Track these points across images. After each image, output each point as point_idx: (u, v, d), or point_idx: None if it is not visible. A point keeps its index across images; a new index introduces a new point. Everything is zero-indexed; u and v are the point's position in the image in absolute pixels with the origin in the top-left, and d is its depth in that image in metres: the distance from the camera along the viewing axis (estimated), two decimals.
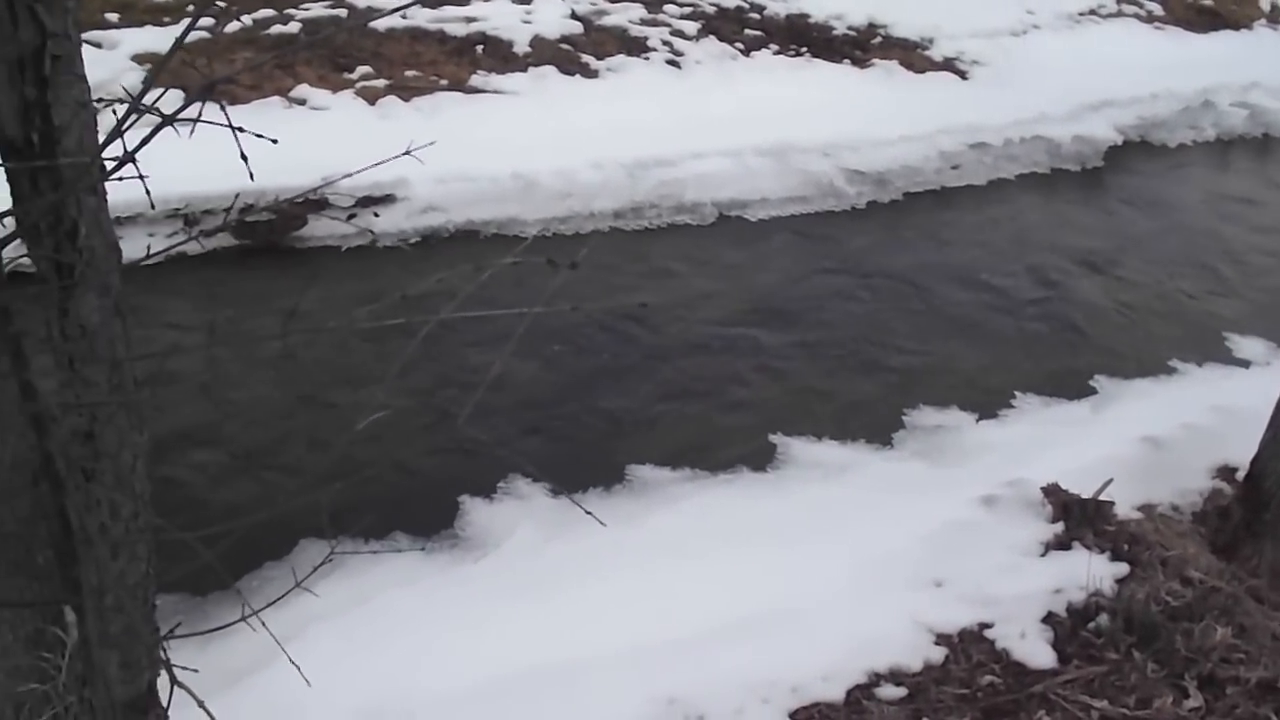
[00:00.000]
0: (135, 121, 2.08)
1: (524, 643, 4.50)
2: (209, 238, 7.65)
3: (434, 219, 8.64)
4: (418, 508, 5.59)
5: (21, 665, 3.13)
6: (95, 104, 2.60)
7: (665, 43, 12.29)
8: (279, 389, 6.65)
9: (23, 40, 2.49)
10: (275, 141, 1.98)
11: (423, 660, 4.39)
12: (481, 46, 11.58)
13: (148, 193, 1.97)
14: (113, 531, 2.77)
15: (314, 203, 8.24)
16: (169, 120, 1.96)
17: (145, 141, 1.97)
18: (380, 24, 11.46)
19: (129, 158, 1.90)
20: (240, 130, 1.92)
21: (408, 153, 2.52)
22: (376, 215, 8.31)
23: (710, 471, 6.38)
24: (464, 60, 11.29)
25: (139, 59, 9.94)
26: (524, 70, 11.29)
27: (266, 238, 8.23)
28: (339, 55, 10.89)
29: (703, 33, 12.72)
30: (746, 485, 6.28)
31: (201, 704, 2.04)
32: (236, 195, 7.08)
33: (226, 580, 3.78)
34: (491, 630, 4.59)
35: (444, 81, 10.77)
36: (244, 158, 1.98)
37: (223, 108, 1.95)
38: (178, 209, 7.97)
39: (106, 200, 2.70)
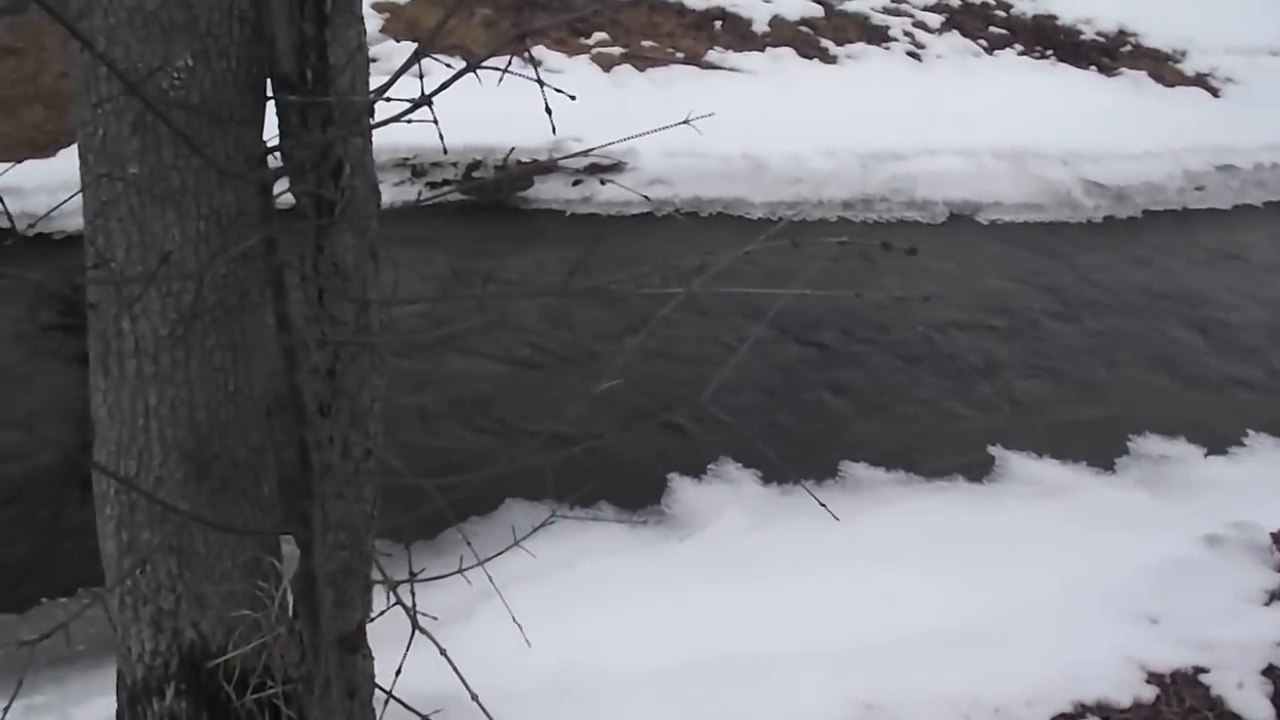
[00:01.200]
0: (406, 69, 2.05)
1: (720, 628, 4.43)
2: (477, 193, 7.80)
3: (660, 191, 8.59)
4: (627, 480, 5.55)
5: (236, 591, 3.19)
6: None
7: (907, 34, 12.03)
8: (497, 351, 6.69)
9: None
10: (574, 98, 1.92)
11: (617, 632, 4.36)
12: (720, 22, 11.50)
13: (441, 137, 1.92)
14: (342, 470, 2.79)
15: (542, 165, 8.27)
16: (471, 67, 1.91)
17: (444, 86, 1.93)
18: None
19: (425, 100, 1.86)
20: (543, 85, 1.87)
21: (686, 121, 2.45)
22: (603, 183, 8.31)
23: (925, 477, 6.21)
24: (701, 35, 11.23)
25: (378, 7, 10.16)
26: (761, 50, 11.18)
27: (492, 195, 8.30)
28: (578, 20, 10.94)
29: (946, 26, 12.41)
30: (961, 495, 6.10)
31: (443, 652, 2.00)
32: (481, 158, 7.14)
33: (459, 531, 3.79)
34: (688, 611, 4.53)
35: (680, 55, 10.73)
36: (548, 110, 1.93)
37: (532, 61, 1.91)
38: (406, 158, 8.10)
39: (372, 143, 2.71)
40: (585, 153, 3.76)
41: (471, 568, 2.55)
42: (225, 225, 2.75)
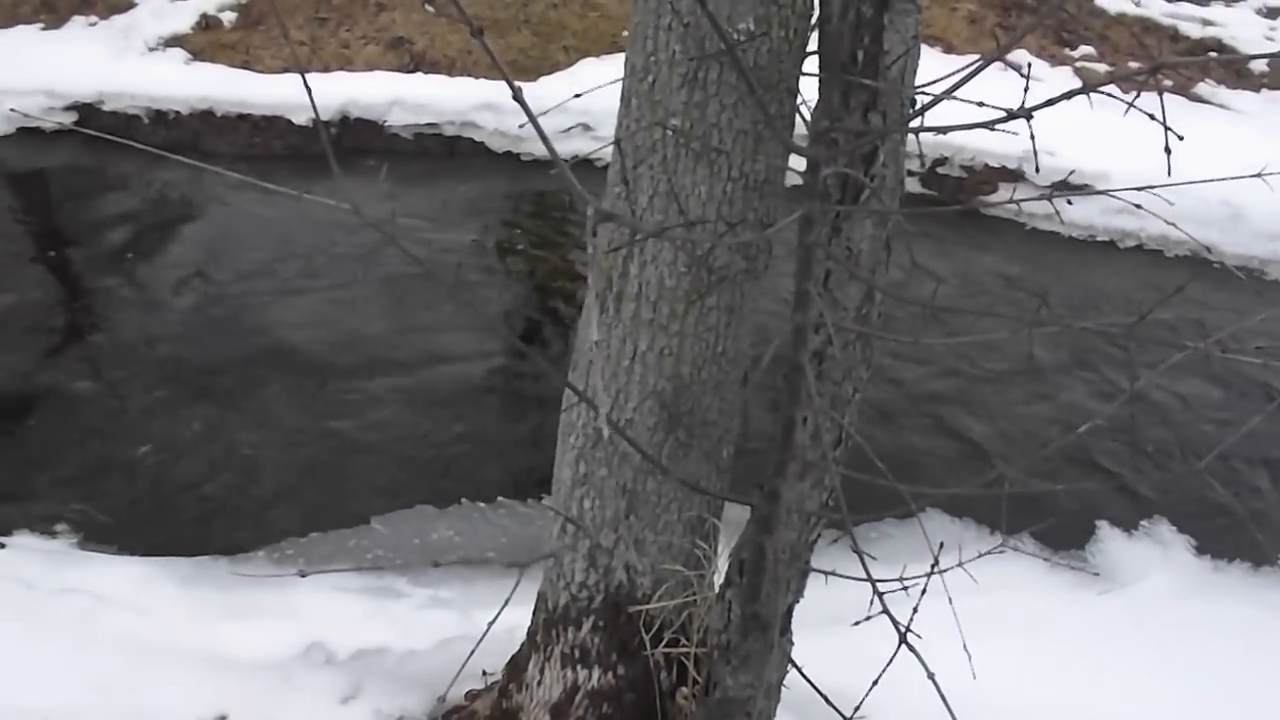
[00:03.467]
0: (973, 75, 1.95)
1: (1124, 691, 4.16)
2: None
3: (1126, 223, 8.12)
4: (1054, 516, 5.29)
5: (674, 545, 3.23)
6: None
7: None
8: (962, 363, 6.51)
9: None
10: (1181, 138, 1.76)
11: (1015, 670, 4.16)
12: (1214, 54, 10.77)
13: (1035, 153, 1.83)
14: (808, 454, 2.76)
15: (1010, 172, 8.00)
16: (1090, 89, 1.80)
17: (1049, 103, 1.82)
18: (1111, 5, 10.95)
19: (1025, 114, 1.77)
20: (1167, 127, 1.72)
21: (1258, 175, 2.26)
22: (1070, 204, 7.94)
23: None
24: (1192, 65, 10.57)
25: None
26: (1256, 90, 10.39)
27: (954, 194, 8.09)
28: (1065, 29, 10.53)
29: None
30: None
31: (931, 676, 1.93)
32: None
33: (926, 537, 3.72)
34: (1094, 666, 4.27)
35: (1168, 83, 10.12)
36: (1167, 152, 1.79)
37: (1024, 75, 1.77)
38: None
39: (907, 137, 2.65)
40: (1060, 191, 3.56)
41: (943, 571, 2.46)
42: (748, 190, 2.76)
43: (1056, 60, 9.96)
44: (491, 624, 2.12)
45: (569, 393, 3.21)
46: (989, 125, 2.04)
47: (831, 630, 4.02)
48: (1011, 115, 1.94)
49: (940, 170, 8.05)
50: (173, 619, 4.29)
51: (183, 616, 4.31)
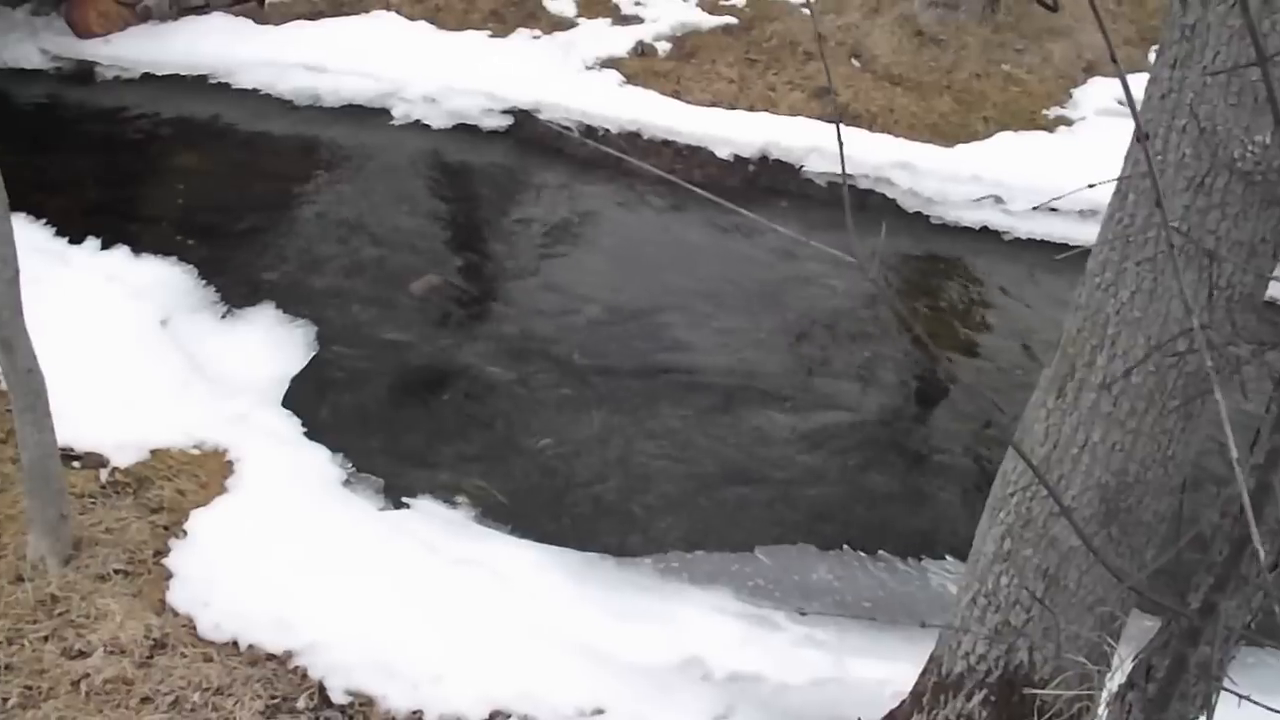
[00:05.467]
0: None
1: None
2: None
3: None
4: None
5: (1081, 636, 3.22)
6: None
7: None
8: None
9: None
10: None
11: None
12: None
13: None
14: (1246, 572, 2.72)
15: None
16: None
17: None
18: None
19: None
20: None
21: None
22: None
23: None
24: None
25: None
26: None
27: None
28: None
29: None
30: None
31: None
32: None
33: None
34: None
35: None
36: None
37: None
38: None
39: None
40: None
41: None
42: (1231, 301, 2.75)
43: None
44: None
45: (1005, 470, 3.27)
46: None
47: None
48: None
49: None
50: (560, 608, 4.57)
51: (569, 608, 4.58)
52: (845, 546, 5.14)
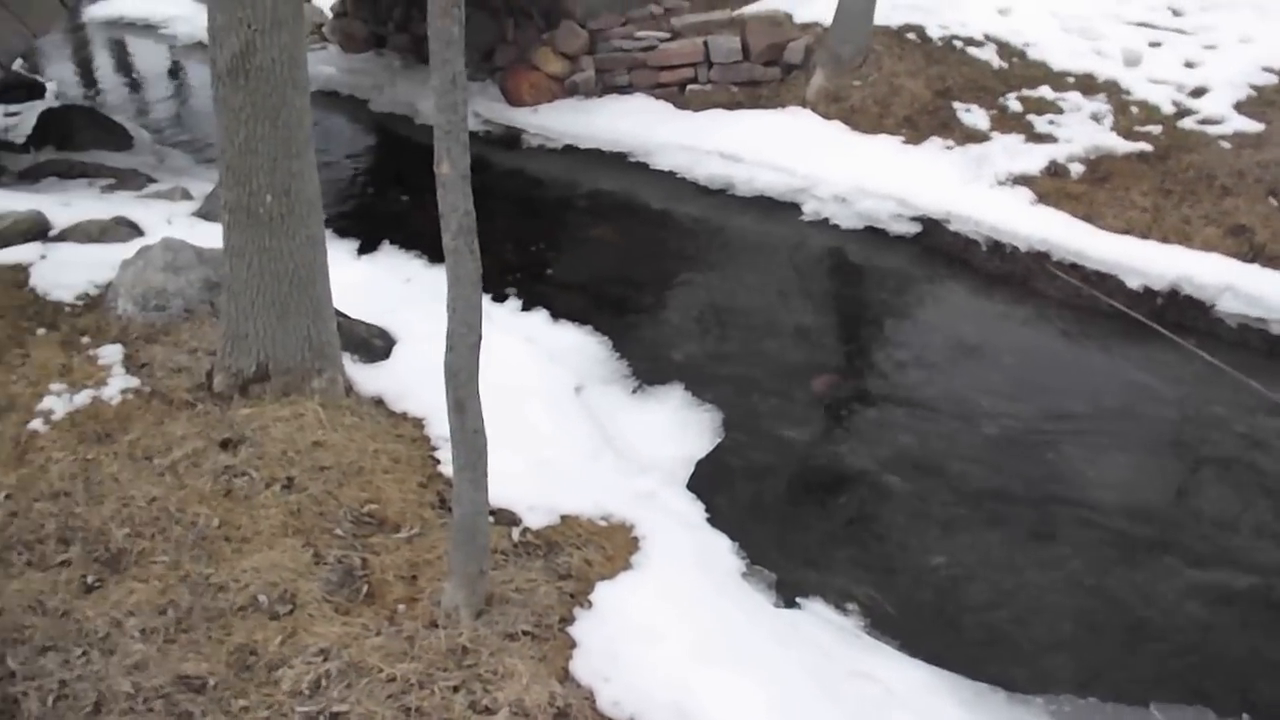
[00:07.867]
0: None
1: None
2: None
3: None
4: None
5: None
6: None
7: None
8: None
9: None
10: None
11: None
12: None
13: None
14: None
15: None
16: None
17: None
18: None
19: None
20: None
21: None
22: None
23: None
24: None
25: None
26: None
27: None
28: None
29: None
30: None
31: None
32: None
33: None
34: None
35: None
36: None
37: None
38: None
39: None
40: None
41: None
42: None
43: None
44: None
45: None
46: None
47: None
48: None
49: None
50: None
51: None
52: (1245, 716, 4.97)
